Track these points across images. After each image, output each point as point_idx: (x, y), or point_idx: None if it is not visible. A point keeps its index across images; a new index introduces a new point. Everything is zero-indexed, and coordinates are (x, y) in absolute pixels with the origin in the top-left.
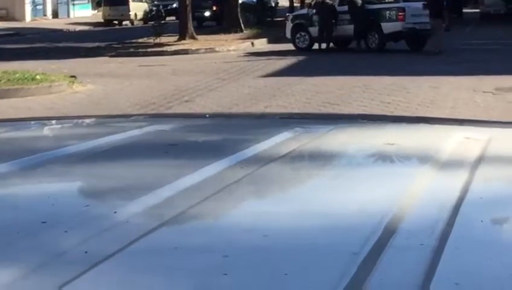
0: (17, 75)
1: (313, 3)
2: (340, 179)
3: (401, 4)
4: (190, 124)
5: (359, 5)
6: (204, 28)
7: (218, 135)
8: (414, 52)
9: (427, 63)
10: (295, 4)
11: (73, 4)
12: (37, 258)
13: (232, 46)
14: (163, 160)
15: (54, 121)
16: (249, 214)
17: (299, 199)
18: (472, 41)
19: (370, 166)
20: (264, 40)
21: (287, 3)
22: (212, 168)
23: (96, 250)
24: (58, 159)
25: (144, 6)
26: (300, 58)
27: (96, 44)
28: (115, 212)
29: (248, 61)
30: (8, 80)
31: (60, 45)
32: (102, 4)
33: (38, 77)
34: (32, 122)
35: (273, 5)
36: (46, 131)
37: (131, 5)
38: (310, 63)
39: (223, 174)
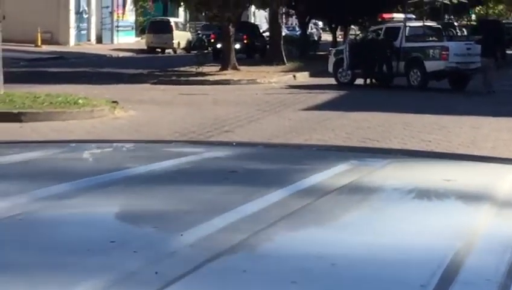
0: (60, 98)
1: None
2: (402, 212)
3: (445, 43)
4: (245, 152)
5: (387, 43)
6: (239, 60)
7: (275, 164)
8: (456, 91)
9: (468, 102)
10: (338, 39)
11: (118, 30)
12: (109, 277)
13: (274, 78)
14: (224, 186)
15: (110, 144)
16: (316, 242)
17: (363, 229)
18: None
19: (430, 201)
20: (306, 73)
21: (330, 38)
22: (274, 196)
23: (166, 271)
24: (121, 181)
25: (187, 35)
26: (342, 92)
27: (139, 71)
28: (182, 234)
29: (289, 93)
30: (51, 102)
31: (103, 70)
32: (146, 31)
33: (80, 101)
34: (91, 144)
35: (316, 38)
36: (105, 153)
37: (175, 33)
38: (351, 98)
39: (286, 202)
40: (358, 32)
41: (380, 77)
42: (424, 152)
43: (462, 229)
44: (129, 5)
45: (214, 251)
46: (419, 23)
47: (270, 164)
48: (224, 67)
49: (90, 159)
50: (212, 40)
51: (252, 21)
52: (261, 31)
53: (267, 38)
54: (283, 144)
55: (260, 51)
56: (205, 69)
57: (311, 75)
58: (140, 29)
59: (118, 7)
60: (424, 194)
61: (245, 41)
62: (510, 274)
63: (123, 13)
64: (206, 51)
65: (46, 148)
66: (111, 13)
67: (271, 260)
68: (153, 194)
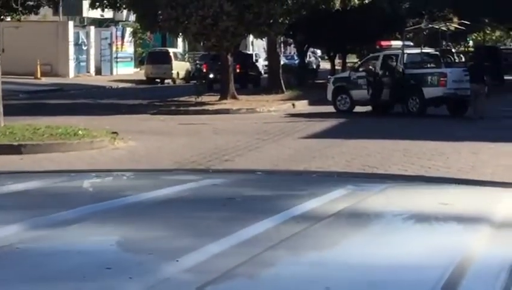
0: (60, 130)
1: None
2: (398, 236)
3: (443, 69)
4: (244, 178)
5: (400, 70)
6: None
7: (273, 190)
8: (455, 117)
9: (467, 128)
10: (336, 67)
11: (117, 61)
12: None
13: (273, 106)
14: (221, 212)
15: (109, 173)
16: (311, 266)
17: (359, 253)
18: None
19: (426, 224)
20: (305, 101)
21: (328, 66)
22: (271, 221)
23: None
24: (118, 209)
25: (186, 65)
26: (341, 120)
27: (138, 101)
28: (177, 260)
29: (289, 122)
30: (51, 134)
31: (103, 101)
32: (145, 62)
33: (80, 132)
34: (90, 173)
35: (314, 67)
36: (103, 182)
37: (174, 63)
38: (350, 126)
39: (282, 227)
40: (362, 62)
41: (388, 103)
42: (421, 177)
43: (457, 251)
44: (128, 37)
45: (210, 276)
46: (417, 50)
47: (268, 191)
48: (223, 97)
49: (88, 188)
50: (204, 70)
51: (250, 50)
52: (256, 60)
53: (265, 68)
54: (282, 170)
55: (254, 81)
56: (204, 98)
57: (310, 104)
58: (139, 60)
59: (116, 38)
60: (420, 218)
61: (238, 70)
62: None
63: (122, 44)
64: (204, 81)
65: (46, 177)
66: (110, 45)
67: (266, 284)
68: (150, 222)
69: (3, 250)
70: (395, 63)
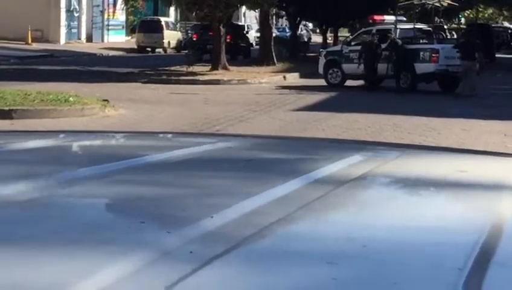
0: (51, 96)
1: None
2: (426, 198)
3: (435, 45)
4: (256, 142)
5: (400, 44)
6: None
7: (291, 154)
8: (446, 93)
9: (458, 105)
10: (328, 40)
11: (108, 29)
12: (144, 255)
13: (264, 78)
14: (243, 172)
15: (126, 134)
16: (345, 225)
17: (390, 214)
18: (504, 86)
19: (450, 189)
20: (296, 74)
21: (319, 39)
22: (297, 182)
23: (200, 250)
24: (143, 167)
25: (178, 35)
26: (332, 94)
27: (129, 70)
28: (212, 217)
29: (280, 94)
30: (42, 100)
31: (93, 68)
32: (137, 31)
33: (71, 99)
34: (107, 133)
35: (306, 40)
36: (121, 142)
37: (165, 33)
38: (341, 99)
39: (309, 188)
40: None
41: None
42: (431, 147)
43: (488, 214)
44: (120, 4)
45: (247, 233)
46: (409, 26)
47: (285, 154)
48: (214, 67)
49: (107, 147)
50: (194, 39)
51: (242, 21)
52: (247, 31)
53: (257, 39)
54: (294, 137)
55: (244, 52)
56: (195, 68)
57: (301, 76)
58: (130, 29)
59: (108, 6)
60: (442, 183)
61: (228, 41)
62: None
63: (114, 12)
64: (194, 51)
65: (66, 137)
66: (102, 12)
67: (303, 242)
68: (176, 180)
69: (31, 203)
70: (394, 36)
